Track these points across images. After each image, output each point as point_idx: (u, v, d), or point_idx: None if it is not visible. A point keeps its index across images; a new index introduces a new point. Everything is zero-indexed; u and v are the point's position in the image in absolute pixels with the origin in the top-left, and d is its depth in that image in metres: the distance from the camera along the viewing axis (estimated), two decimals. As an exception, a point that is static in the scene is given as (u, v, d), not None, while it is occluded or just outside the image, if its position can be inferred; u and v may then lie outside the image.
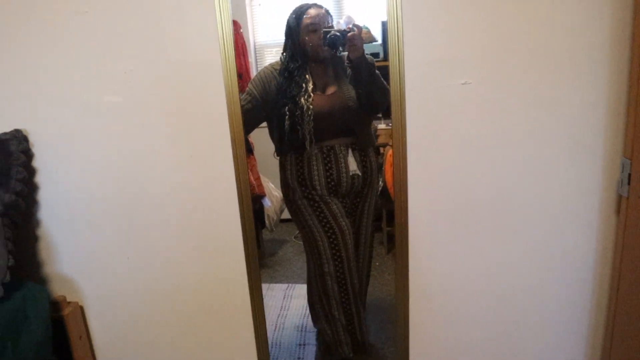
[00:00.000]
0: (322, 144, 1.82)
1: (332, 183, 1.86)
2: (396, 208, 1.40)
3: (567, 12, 1.19)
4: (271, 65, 1.86)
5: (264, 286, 2.64)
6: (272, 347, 2.15)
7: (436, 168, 1.35)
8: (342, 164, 1.85)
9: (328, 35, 1.65)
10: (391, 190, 1.97)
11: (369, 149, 1.93)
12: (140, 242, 1.50)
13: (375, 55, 2.51)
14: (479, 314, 1.46)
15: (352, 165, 1.85)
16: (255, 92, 1.82)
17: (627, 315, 1.29)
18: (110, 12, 1.32)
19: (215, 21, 1.28)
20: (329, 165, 1.84)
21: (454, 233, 1.40)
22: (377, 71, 1.78)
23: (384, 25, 2.32)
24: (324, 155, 1.83)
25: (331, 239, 1.87)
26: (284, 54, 1.81)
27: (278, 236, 2.87)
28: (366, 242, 2.04)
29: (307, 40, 1.74)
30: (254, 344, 1.56)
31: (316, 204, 1.87)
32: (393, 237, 1.49)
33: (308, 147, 1.80)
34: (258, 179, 2.60)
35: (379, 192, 2.09)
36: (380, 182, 2.54)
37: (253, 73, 3.01)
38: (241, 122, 1.37)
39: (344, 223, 1.89)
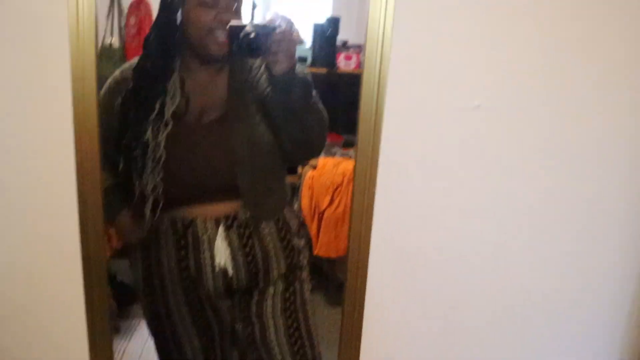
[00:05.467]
0: (177, 212, 1.15)
1: (188, 281, 1.21)
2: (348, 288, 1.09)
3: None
4: (130, 64, 1.21)
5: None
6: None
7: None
8: (205, 253, 1.17)
9: (241, 34, 1.00)
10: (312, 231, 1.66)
11: (261, 224, 1.20)
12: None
13: (303, 60, 2.22)
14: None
15: (221, 256, 1.16)
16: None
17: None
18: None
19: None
20: (185, 252, 1.17)
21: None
22: (315, 92, 1.13)
23: (317, 28, 2.03)
24: (178, 236, 1.16)
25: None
26: (150, 36, 1.15)
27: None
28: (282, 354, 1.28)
29: (194, 19, 1.09)
30: None
31: (155, 309, 1.28)
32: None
33: (147, 214, 1.12)
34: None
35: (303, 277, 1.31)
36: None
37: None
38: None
39: (187, 345, 1.27)
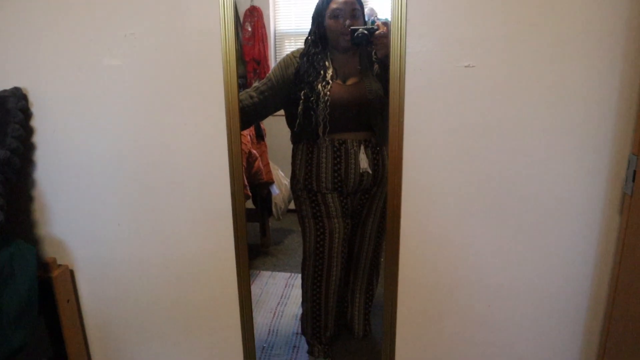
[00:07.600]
0: (335, 136, 1.78)
1: (338, 179, 1.82)
2: (389, 191, 1.35)
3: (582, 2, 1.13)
4: (292, 52, 1.85)
5: (267, 274, 2.65)
6: (269, 334, 2.15)
7: (433, 153, 1.30)
8: (352, 161, 1.80)
9: (355, 34, 1.63)
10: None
11: (383, 147, 1.86)
12: (130, 210, 1.49)
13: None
14: (471, 309, 1.41)
15: (363, 163, 1.81)
16: (272, 77, 1.81)
17: (624, 316, 1.23)
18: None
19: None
20: (338, 160, 1.79)
21: (449, 220, 1.34)
22: None
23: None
24: (335, 149, 1.79)
25: (319, 237, 1.89)
26: (309, 37, 1.79)
27: (285, 225, 2.85)
28: (370, 242, 2.01)
29: (329, 26, 1.72)
30: (239, 315, 1.55)
31: (314, 199, 1.87)
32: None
33: (321, 135, 1.75)
34: (267, 165, 2.58)
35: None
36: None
37: (272, 61, 3.00)
38: (236, 93, 1.34)
39: (335, 223, 1.88)
